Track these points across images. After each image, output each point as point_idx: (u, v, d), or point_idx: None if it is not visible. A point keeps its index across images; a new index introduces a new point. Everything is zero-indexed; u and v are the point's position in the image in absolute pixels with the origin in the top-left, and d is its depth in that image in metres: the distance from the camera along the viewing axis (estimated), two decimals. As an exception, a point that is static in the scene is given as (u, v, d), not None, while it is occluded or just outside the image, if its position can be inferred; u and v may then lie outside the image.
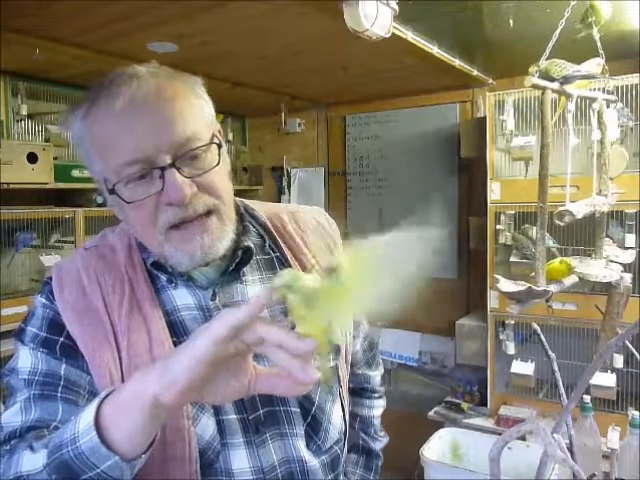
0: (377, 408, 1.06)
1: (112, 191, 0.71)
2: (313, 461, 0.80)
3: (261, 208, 0.90)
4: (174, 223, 0.71)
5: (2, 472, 0.62)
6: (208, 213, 0.72)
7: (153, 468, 0.67)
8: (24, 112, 2.37)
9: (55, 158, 2.32)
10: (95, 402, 0.58)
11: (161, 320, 0.74)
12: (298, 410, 0.79)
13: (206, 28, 1.84)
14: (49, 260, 2.20)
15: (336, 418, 0.84)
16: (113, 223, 0.85)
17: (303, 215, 0.92)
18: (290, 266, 0.84)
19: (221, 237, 0.74)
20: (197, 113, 0.73)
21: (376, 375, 1.07)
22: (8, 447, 0.65)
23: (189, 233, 0.71)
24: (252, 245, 0.81)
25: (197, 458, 0.70)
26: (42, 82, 2.45)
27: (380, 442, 1.06)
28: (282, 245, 0.85)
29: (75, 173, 2.38)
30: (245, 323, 0.53)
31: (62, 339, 0.73)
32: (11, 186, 2.10)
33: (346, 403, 0.88)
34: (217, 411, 0.74)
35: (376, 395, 1.06)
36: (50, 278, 0.78)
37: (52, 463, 0.58)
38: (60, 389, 0.71)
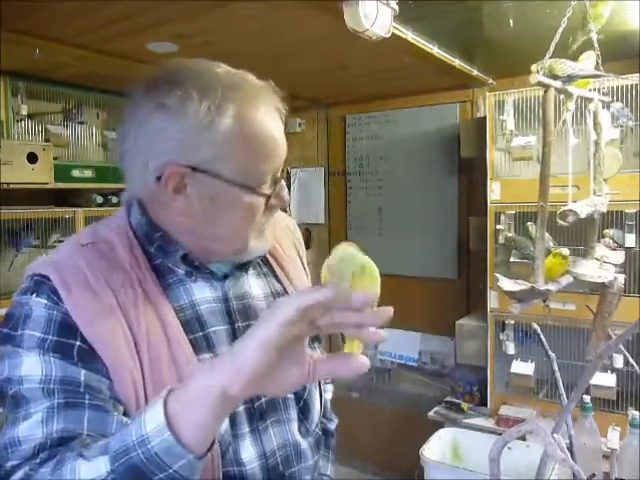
0: (329, 392, 1.09)
1: (253, 190, 0.74)
2: (303, 443, 0.83)
3: None
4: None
5: None
6: None
7: None
8: (24, 112, 2.37)
9: (55, 158, 2.32)
10: (159, 402, 0.56)
11: (174, 318, 0.74)
12: (292, 395, 0.83)
13: (206, 28, 1.84)
14: (49, 260, 2.19)
15: (317, 401, 0.89)
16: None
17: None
18: (268, 262, 0.90)
19: None
20: None
21: None
22: (38, 460, 0.61)
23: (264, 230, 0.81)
24: None
25: (219, 452, 0.70)
26: (42, 82, 2.45)
27: (334, 422, 1.09)
28: None
29: (75, 173, 2.38)
30: (314, 305, 0.53)
31: (78, 343, 0.68)
32: (11, 186, 2.10)
33: (322, 385, 0.93)
34: None
35: (327, 380, 1.09)
36: (40, 275, 0.72)
37: (118, 469, 0.56)
38: (86, 396, 0.67)
